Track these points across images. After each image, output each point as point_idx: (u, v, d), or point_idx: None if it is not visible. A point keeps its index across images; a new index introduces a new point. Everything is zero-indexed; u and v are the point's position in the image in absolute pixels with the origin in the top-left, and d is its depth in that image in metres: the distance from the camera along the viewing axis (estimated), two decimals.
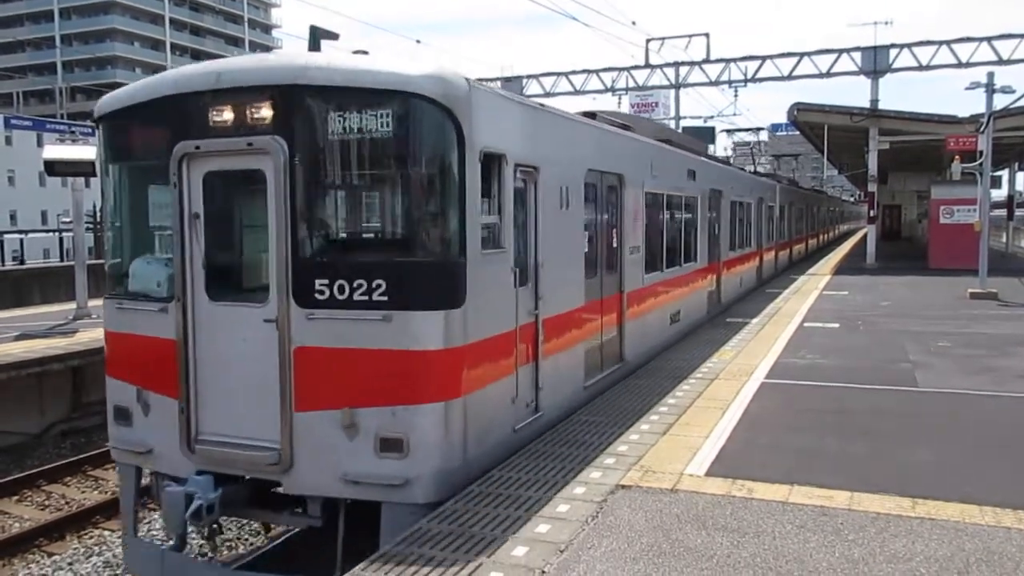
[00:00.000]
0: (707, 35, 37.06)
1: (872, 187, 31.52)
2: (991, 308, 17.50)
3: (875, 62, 32.97)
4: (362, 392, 6.20)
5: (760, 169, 36.11)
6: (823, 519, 5.71)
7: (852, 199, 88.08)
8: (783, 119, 38.49)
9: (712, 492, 6.27)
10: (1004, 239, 41.10)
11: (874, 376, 10.53)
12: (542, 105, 8.34)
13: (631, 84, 38.76)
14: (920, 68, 32.75)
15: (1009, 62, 31.56)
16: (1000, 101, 20.68)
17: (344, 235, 6.91)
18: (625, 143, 10.85)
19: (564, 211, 8.32)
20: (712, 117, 31.91)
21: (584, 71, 38.36)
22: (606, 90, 38.06)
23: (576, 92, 37.71)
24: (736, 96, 39.61)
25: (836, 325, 15.00)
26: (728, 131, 35.77)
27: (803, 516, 5.77)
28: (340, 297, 6.20)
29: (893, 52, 33.00)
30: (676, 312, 13.42)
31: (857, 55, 33.43)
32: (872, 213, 33.05)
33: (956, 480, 6.50)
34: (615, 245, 10.32)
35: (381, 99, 6.11)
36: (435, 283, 6.26)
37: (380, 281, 6.13)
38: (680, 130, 31.36)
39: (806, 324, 15.16)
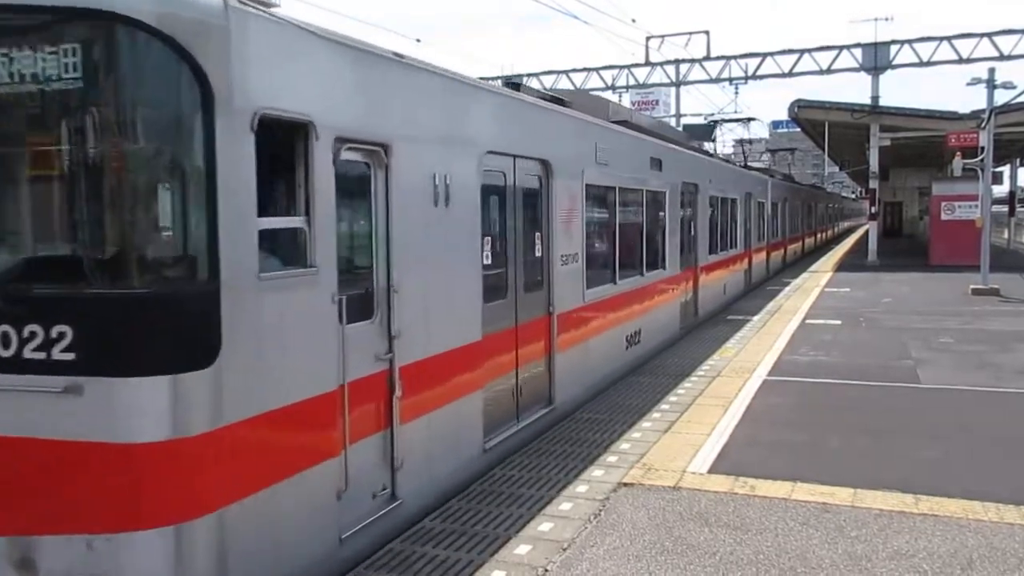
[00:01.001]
0: (707, 32, 37.11)
1: (873, 184, 31.50)
2: (993, 304, 17.49)
3: (876, 58, 33.00)
4: (41, 511, 3.94)
5: (756, 165, 35.17)
6: (825, 516, 5.71)
7: (853, 196, 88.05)
8: (784, 116, 38.33)
9: (714, 489, 6.26)
10: (1005, 235, 41.09)
11: (876, 373, 10.52)
12: (399, 56, 5.68)
13: (631, 82, 38.79)
14: (921, 64, 32.76)
15: (1010, 58, 31.58)
16: (1001, 97, 20.74)
17: (7, 252, 4.37)
18: (553, 121, 8.48)
19: (441, 210, 6.03)
20: (713, 114, 31.56)
21: (584, 69, 38.43)
22: (606, 88, 38.07)
23: (576, 91, 37.73)
24: (737, 93, 39.64)
25: (838, 322, 14.98)
26: (716, 122, 34.60)
27: (805, 513, 5.77)
28: (4, 354, 3.92)
29: (894, 48, 33.04)
30: (635, 332, 11.19)
31: (858, 51, 33.47)
32: (873, 210, 33.03)
33: (959, 476, 6.50)
34: (539, 254, 8.05)
35: (62, 25, 3.82)
36: (159, 329, 3.95)
37: (64, 328, 3.84)
38: (681, 128, 31.05)
39: (808, 321, 15.15)
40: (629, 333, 11.00)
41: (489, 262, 6.96)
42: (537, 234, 8.04)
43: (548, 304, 8.20)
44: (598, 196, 9.79)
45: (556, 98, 9.28)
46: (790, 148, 50.52)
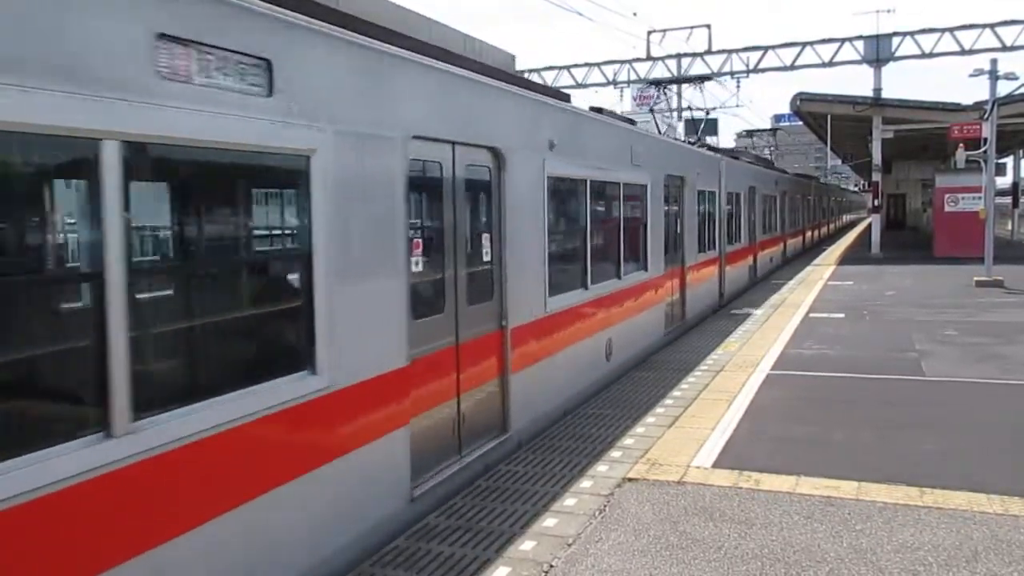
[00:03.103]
0: (708, 26, 36.93)
1: (876, 176, 31.44)
2: (997, 296, 17.46)
3: (878, 51, 32.91)
4: None
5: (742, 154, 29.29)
6: (830, 509, 5.71)
7: (856, 188, 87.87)
8: (786, 110, 38.17)
9: (719, 484, 6.27)
10: (1009, 227, 41.03)
11: (880, 365, 10.51)
12: None
13: (633, 77, 38.72)
14: (923, 56, 32.67)
15: (1013, 48, 31.46)
16: (1004, 88, 20.69)
17: None
18: None
19: None
20: (715, 108, 30.83)
21: (586, 64, 38.35)
22: (608, 83, 38.00)
23: (578, 85, 37.64)
24: (739, 87, 39.50)
25: (842, 315, 14.97)
26: (659, 82, 26.75)
27: (810, 506, 5.77)
28: None
29: (896, 40, 32.95)
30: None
31: (860, 44, 33.37)
32: (876, 203, 32.94)
33: (963, 469, 6.49)
34: None
35: None
36: None
37: None
38: (682, 123, 30.36)
39: (811, 314, 15.14)
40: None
41: None
42: None
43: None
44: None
45: None
46: (771, 128, 46.67)
